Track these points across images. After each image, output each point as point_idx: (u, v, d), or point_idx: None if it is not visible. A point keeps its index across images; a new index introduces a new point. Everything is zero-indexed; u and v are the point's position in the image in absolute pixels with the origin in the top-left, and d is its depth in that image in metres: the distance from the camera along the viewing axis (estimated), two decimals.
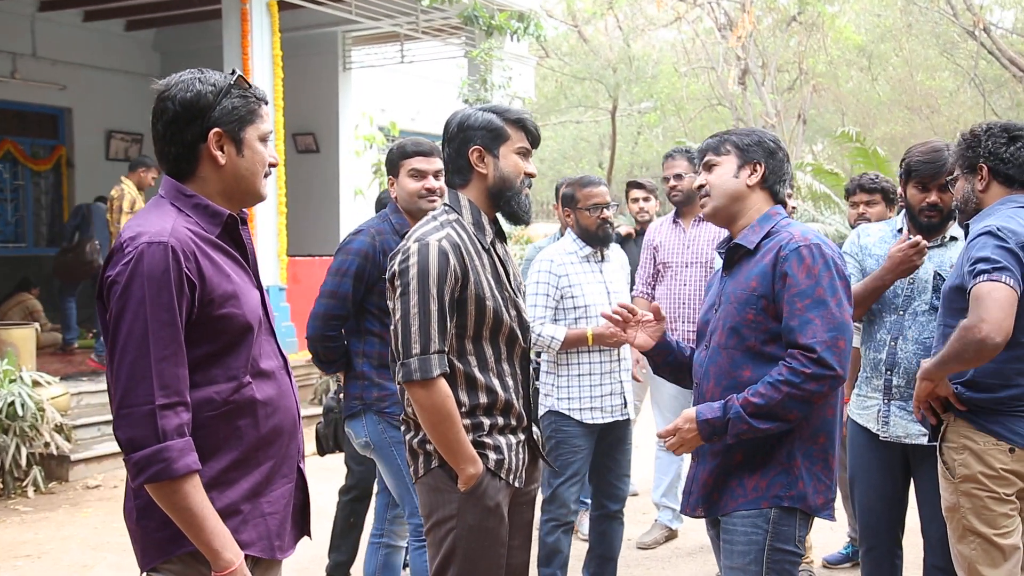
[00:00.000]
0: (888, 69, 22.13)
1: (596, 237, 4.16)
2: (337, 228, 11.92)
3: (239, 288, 2.09)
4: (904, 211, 3.55)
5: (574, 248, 4.17)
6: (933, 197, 3.41)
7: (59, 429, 6.69)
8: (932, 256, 3.45)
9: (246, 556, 2.07)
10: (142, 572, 2.10)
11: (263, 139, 2.16)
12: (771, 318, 2.60)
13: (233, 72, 2.16)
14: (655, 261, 5.33)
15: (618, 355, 4.18)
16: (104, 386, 7.84)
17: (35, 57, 11.08)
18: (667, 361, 2.99)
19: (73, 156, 12.06)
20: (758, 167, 2.73)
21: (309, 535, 2.35)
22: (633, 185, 6.16)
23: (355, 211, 11.11)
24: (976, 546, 2.94)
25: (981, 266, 2.74)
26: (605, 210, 4.13)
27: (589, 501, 5.33)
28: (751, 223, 2.73)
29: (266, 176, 2.20)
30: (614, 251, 4.38)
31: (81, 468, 6.80)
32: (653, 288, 5.35)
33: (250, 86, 2.16)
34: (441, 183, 3.61)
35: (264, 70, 8.73)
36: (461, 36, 10.91)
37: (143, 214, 2.09)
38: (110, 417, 7.30)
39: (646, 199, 6.03)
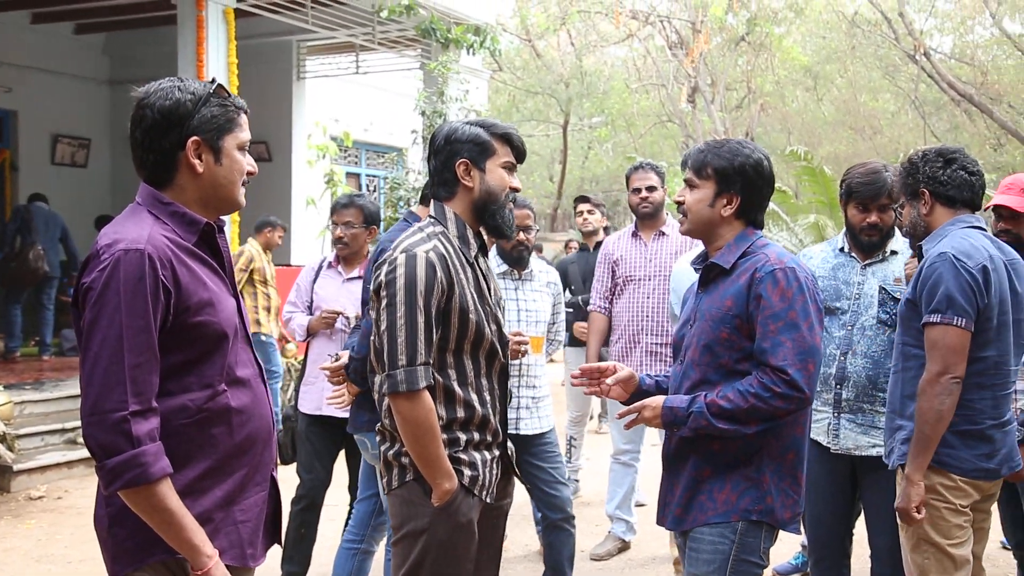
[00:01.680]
0: (833, 90, 22.66)
1: (511, 257, 4.30)
2: (289, 237, 11.83)
3: (215, 296, 2.09)
4: (844, 231, 3.68)
5: (493, 265, 4.25)
6: (873, 217, 3.53)
7: (1, 438, 6.55)
8: (876, 271, 3.57)
9: None
10: None
11: (241, 148, 2.17)
12: (744, 337, 2.64)
13: (213, 81, 2.16)
14: (614, 275, 5.37)
15: (519, 371, 4.23)
16: (48, 395, 7.72)
17: None
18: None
19: (17, 159, 11.82)
20: (734, 199, 2.72)
21: (280, 543, 2.35)
22: (581, 200, 6.59)
23: (307, 220, 11.05)
24: (930, 555, 3.03)
25: (938, 303, 2.93)
26: (523, 232, 4.21)
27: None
28: (727, 243, 2.75)
29: (244, 184, 2.20)
30: (543, 274, 4.45)
31: (24, 478, 6.66)
32: (610, 303, 5.40)
33: (230, 95, 2.17)
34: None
35: (219, 78, 8.62)
36: (417, 48, 10.93)
37: (120, 221, 2.08)
38: (54, 427, 7.19)
39: (591, 212, 6.44)
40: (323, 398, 4.43)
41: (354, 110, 12.45)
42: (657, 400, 2.71)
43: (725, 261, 2.72)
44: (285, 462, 4.33)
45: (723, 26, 18.55)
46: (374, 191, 13.85)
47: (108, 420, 1.92)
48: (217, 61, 8.61)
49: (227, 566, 2.10)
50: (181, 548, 1.98)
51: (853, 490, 3.63)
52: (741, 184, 2.71)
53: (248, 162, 2.20)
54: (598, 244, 6.29)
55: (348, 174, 13.02)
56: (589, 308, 5.46)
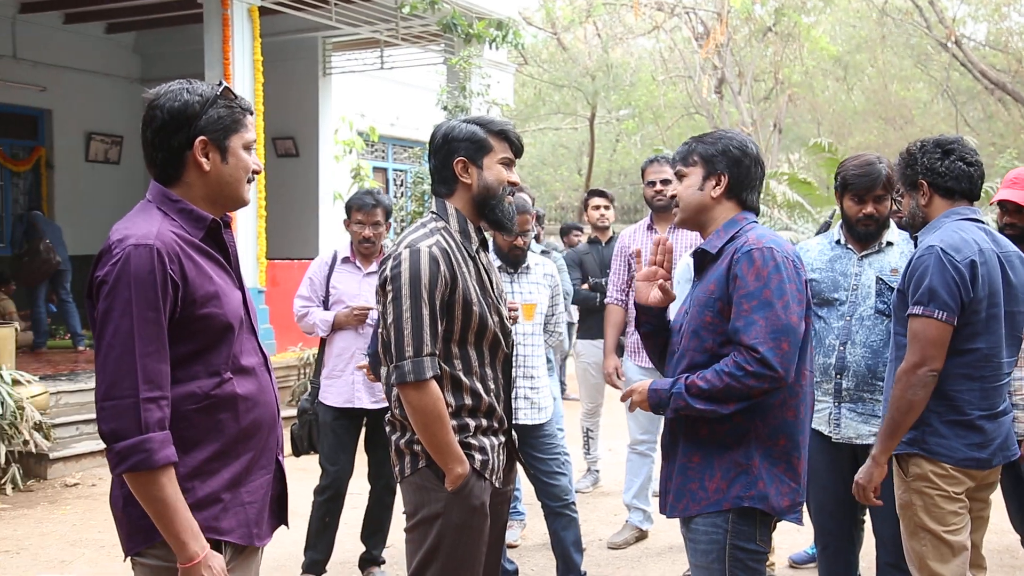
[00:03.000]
0: (863, 79, 22.45)
1: (507, 259, 4.43)
2: (316, 232, 11.99)
3: (220, 289, 2.18)
4: (840, 222, 3.72)
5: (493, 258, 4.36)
6: (869, 208, 3.56)
7: (38, 427, 6.73)
8: (872, 262, 3.61)
9: (226, 543, 2.17)
10: (126, 557, 2.19)
11: (247, 147, 2.26)
12: (726, 320, 2.64)
13: (220, 83, 2.26)
14: (631, 268, 5.43)
15: (516, 362, 4.27)
16: (83, 386, 7.91)
17: (15, 59, 11.10)
18: (659, 343, 2.96)
19: (53, 157, 12.07)
20: (722, 178, 2.76)
21: (286, 524, 2.45)
22: (594, 193, 6.65)
23: (334, 215, 11.18)
24: (927, 542, 3.07)
25: (921, 295, 2.97)
26: (520, 237, 4.34)
27: (523, 512, 5.53)
28: (716, 229, 2.78)
29: (249, 182, 2.29)
30: (540, 267, 4.55)
31: (60, 466, 6.85)
32: (627, 295, 5.46)
33: (236, 97, 2.26)
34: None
35: (245, 75, 8.80)
36: (440, 43, 11.01)
37: (131, 217, 2.18)
38: (88, 416, 7.34)
39: (606, 207, 6.52)
40: (353, 391, 4.57)
41: (380, 105, 12.56)
42: (645, 383, 2.77)
43: (712, 246, 2.75)
44: (299, 453, 4.44)
45: (750, 16, 18.46)
46: (400, 185, 13.98)
47: (120, 406, 2.02)
48: (242, 58, 8.75)
49: (235, 546, 2.20)
50: (170, 539, 2.06)
51: None
52: (726, 163, 2.75)
53: (253, 161, 2.29)
54: (611, 238, 6.37)
55: (375, 169, 13.15)
56: (606, 300, 5.52)
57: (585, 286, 6.48)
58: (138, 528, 2.12)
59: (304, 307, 4.70)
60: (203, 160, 2.19)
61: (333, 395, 4.61)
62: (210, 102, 2.19)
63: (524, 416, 4.35)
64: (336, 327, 4.62)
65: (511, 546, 5.39)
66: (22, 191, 12.06)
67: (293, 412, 7.78)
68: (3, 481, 6.45)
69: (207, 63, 8.74)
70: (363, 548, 4.86)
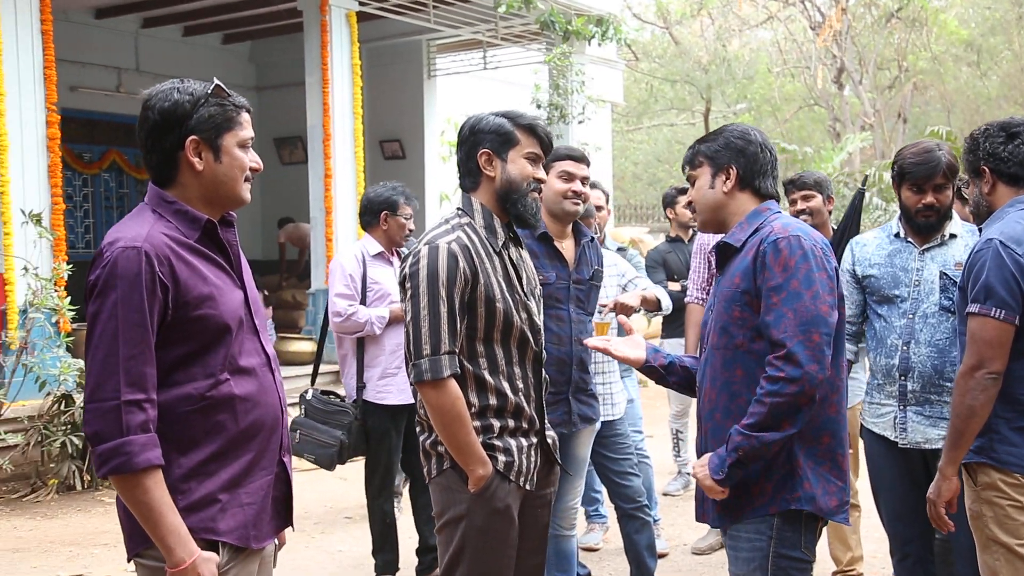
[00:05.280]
0: (999, 64, 21.30)
1: None
2: (422, 232, 12.11)
3: (216, 290, 2.17)
4: (899, 214, 3.51)
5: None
6: (929, 198, 3.37)
7: None
8: (935, 256, 3.42)
9: (223, 544, 2.16)
10: (129, 558, 2.20)
11: (242, 145, 2.23)
12: (755, 313, 2.56)
13: (213, 81, 2.25)
14: (711, 265, 5.30)
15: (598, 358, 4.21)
16: None
17: (138, 71, 11.62)
18: (670, 379, 2.94)
19: None
20: (730, 171, 2.68)
21: (291, 525, 2.42)
22: (683, 192, 6.38)
23: (440, 216, 11.29)
24: (1000, 556, 2.86)
25: (977, 292, 2.77)
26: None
27: (605, 515, 5.41)
28: (739, 222, 2.70)
29: (247, 181, 2.27)
30: (607, 259, 4.43)
31: None
32: (707, 293, 5.32)
33: (230, 95, 2.24)
34: (587, 189, 3.80)
35: (343, 79, 8.98)
36: (542, 42, 10.99)
37: (125, 220, 2.20)
38: None
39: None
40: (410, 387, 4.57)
41: (485, 106, 12.52)
42: (702, 460, 2.61)
43: (736, 240, 2.66)
44: (343, 461, 4.50)
45: (873, 2, 17.76)
46: None
47: (102, 408, 2.03)
48: (341, 63, 8.94)
49: (232, 546, 2.18)
50: (158, 543, 2.06)
51: (928, 484, 3.43)
52: (730, 155, 2.68)
53: (251, 159, 2.26)
54: (692, 236, 6.21)
55: None
56: (686, 300, 5.39)
57: (674, 285, 6.32)
58: (138, 529, 2.12)
59: (351, 306, 4.60)
60: (195, 160, 2.18)
61: (394, 393, 4.58)
62: (201, 101, 2.17)
63: (605, 413, 4.26)
64: (391, 323, 4.58)
65: (592, 549, 5.32)
66: None
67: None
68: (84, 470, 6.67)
69: (307, 69, 8.97)
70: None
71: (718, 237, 5.17)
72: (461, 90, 12.63)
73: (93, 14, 10.84)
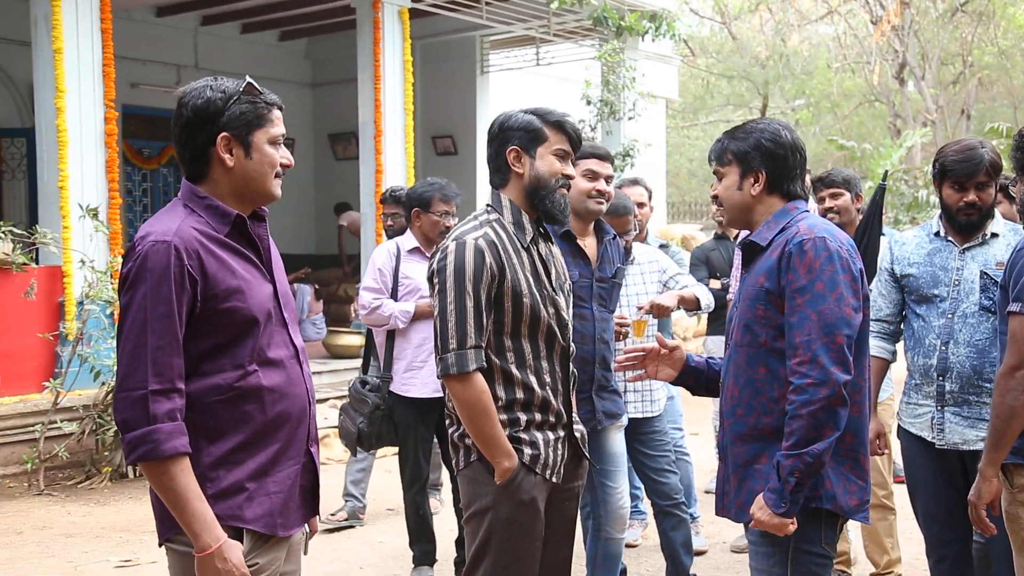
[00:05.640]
0: None
1: None
2: None
3: (245, 283, 2.22)
4: (940, 213, 3.45)
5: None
6: (971, 196, 3.31)
7: None
8: (976, 255, 3.37)
9: (247, 531, 2.20)
10: (160, 543, 2.26)
11: (273, 142, 2.28)
12: (779, 312, 2.55)
13: (245, 79, 2.30)
14: None
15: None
16: None
17: (197, 68, 11.84)
18: (699, 383, 2.96)
19: None
20: (760, 175, 2.66)
21: (319, 514, 2.47)
22: None
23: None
24: None
25: (1020, 291, 2.71)
26: (623, 236, 4.18)
27: (644, 512, 5.38)
28: (766, 221, 2.68)
29: (277, 177, 2.31)
30: (643, 255, 4.43)
31: None
32: None
33: (261, 92, 2.29)
34: (611, 188, 3.79)
35: (395, 76, 9.05)
36: (595, 38, 10.96)
37: (157, 215, 2.26)
38: None
39: None
40: (437, 380, 4.60)
41: (539, 102, 12.54)
42: (758, 500, 2.54)
43: (762, 238, 2.65)
44: (355, 452, 4.62)
45: None
46: None
47: (130, 397, 2.09)
48: (393, 60, 9.00)
49: (258, 533, 2.23)
50: (185, 528, 2.12)
51: (966, 485, 3.36)
52: (761, 159, 2.65)
53: (282, 155, 2.30)
54: (737, 234, 6.12)
55: None
56: (728, 296, 5.35)
57: (715, 283, 6.26)
58: (167, 516, 2.18)
59: (376, 299, 4.67)
60: (226, 156, 2.23)
61: (417, 387, 4.62)
62: (233, 98, 2.22)
63: (633, 409, 4.27)
64: (417, 318, 4.63)
65: (631, 545, 5.30)
66: None
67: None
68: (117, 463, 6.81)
69: (359, 66, 9.06)
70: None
71: None
72: (514, 86, 12.64)
73: (154, 12, 11.06)
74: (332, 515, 5.62)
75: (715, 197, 2.83)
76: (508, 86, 12.60)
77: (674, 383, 2.96)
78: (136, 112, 11.13)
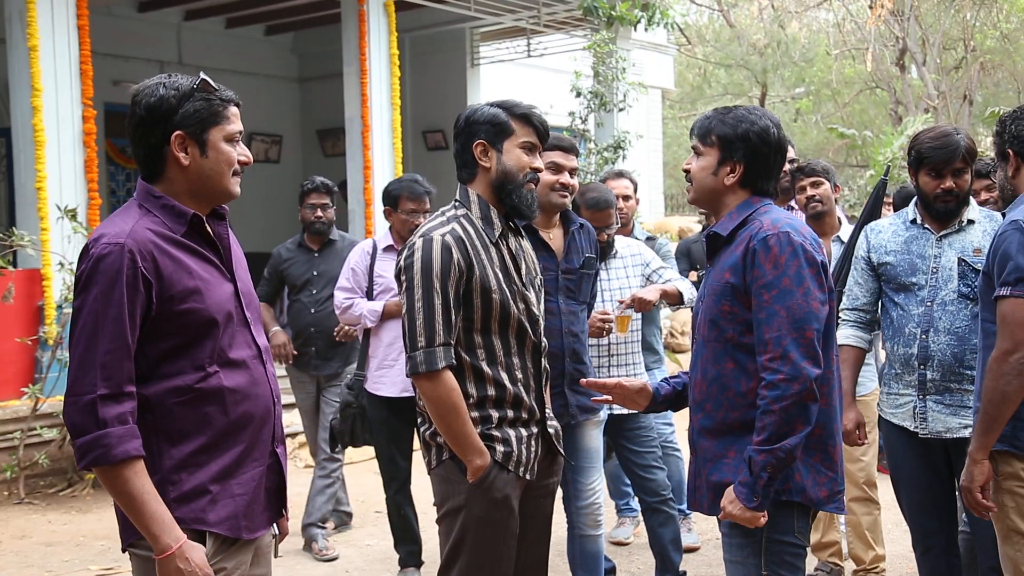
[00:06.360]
0: None
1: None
2: None
3: (203, 284, 2.19)
4: (915, 201, 3.43)
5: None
6: (948, 183, 3.30)
7: None
8: (953, 242, 3.36)
9: (210, 534, 2.18)
10: (123, 549, 2.23)
11: (230, 139, 2.25)
12: (746, 308, 2.55)
13: (200, 76, 2.26)
14: None
15: (607, 351, 4.19)
16: None
17: (181, 64, 11.67)
18: (677, 406, 2.92)
19: None
20: (737, 167, 2.62)
21: (285, 515, 2.45)
22: None
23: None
24: (1021, 547, 2.79)
25: (1008, 274, 2.70)
26: (604, 231, 4.16)
27: (635, 509, 5.26)
28: (729, 212, 2.66)
29: (235, 175, 2.28)
30: (626, 248, 4.36)
31: None
32: None
33: (216, 89, 2.25)
34: (575, 181, 3.78)
35: (382, 70, 8.93)
36: (586, 28, 10.82)
37: (111, 216, 2.23)
38: None
39: None
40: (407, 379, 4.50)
41: (532, 94, 12.42)
42: (728, 492, 2.55)
43: (724, 229, 2.63)
44: (335, 448, 4.64)
45: None
46: None
47: (79, 402, 2.07)
48: (379, 53, 8.89)
49: (223, 537, 2.20)
50: (143, 531, 2.09)
51: (950, 475, 3.37)
52: (744, 152, 2.60)
53: (240, 152, 2.27)
54: None
55: None
56: None
57: (694, 276, 6.10)
58: (129, 522, 2.16)
59: (348, 299, 4.67)
60: (181, 155, 2.20)
61: (387, 386, 4.56)
62: (186, 96, 2.19)
63: (619, 406, 4.14)
64: (385, 317, 4.57)
65: (622, 543, 5.24)
66: None
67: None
68: None
69: (345, 60, 8.95)
70: None
71: None
72: (505, 79, 12.47)
73: (136, 7, 10.92)
74: (325, 540, 5.33)
75: (687, 172, 2.73)
76: (499, 78, 12.42)
77: (646, 412, 2.99)
78: (119, 110, 10.91)
